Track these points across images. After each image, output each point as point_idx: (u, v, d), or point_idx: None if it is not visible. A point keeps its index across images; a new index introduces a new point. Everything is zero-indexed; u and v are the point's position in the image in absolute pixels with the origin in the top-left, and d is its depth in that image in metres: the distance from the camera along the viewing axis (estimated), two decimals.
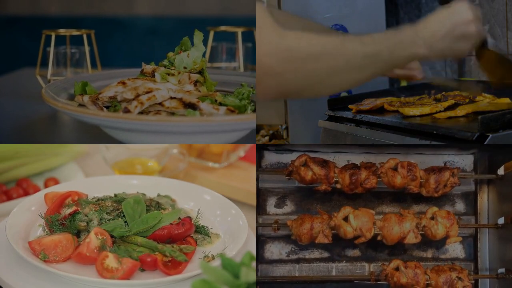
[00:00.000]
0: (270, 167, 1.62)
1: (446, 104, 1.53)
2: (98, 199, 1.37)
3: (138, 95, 1.40)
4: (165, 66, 1.51)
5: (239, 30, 2.07)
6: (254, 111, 1.47)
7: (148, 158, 1.68)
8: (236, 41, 2.10)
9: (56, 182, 1.65)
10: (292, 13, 1.58)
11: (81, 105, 1.45)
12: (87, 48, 1.97)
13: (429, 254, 1.64)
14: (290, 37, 1.13)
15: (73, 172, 1.70)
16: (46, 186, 1.65)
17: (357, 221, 1.51)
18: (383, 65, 1.27)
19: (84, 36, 1.95)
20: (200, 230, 1.34)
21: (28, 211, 1.34)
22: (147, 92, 1.40)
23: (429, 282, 1.50)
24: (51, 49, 1.95)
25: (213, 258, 1.25)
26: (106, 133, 1.44)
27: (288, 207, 1.63)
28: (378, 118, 1.54)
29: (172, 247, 1.25)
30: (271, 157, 1.62)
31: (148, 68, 1.51)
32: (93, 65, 2.01)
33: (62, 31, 1.95)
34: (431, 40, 1.26)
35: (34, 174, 1.68)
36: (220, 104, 1.44)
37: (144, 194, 1.41)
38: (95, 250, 1.23)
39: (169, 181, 1.49)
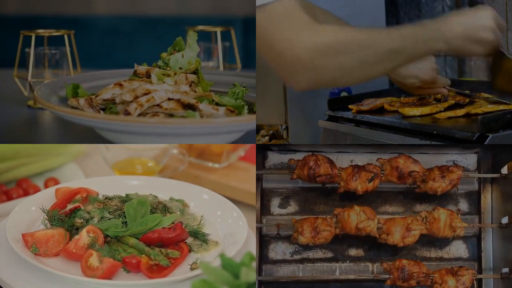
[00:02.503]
0: (273, 167, 1.63)
1: (446, 104, 1.53)
2: (106, 198, 1.38)
3: (136, 97, 1.39)
4: (159, 67, 1.50)
5: (218, 30, 2.07)
6: (249, 111, 1.46)
7: (148, 158, 1.68)
8: (215, 41, 2.09)
9: (56, 182, 1.65)
10: (322, 8, 1.59)
11: (73, 107, 1.43)
12: (68, 49, 1.92)
13: (432, 253, 1.64)
14: (325, 31, 1.20)
15: (73, 172, 1.70)
16: (46, 186, 1.64)
17: (360, 207, 1.52)
18: (406, 59, 1.33)
19: (66, 37, 1.91)
20: (200, 236, 1.32)
21: (28, 211, 1.34)
22: (145, 94, 1.39)
23: (433, 275, 1.52)
24: (31, 50, 1.89)
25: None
26: (92, 135, 1.42)
27: (292, 207, 1.64)
28: (378, 118, 1.54)
29: (160, 251, 1.24)
30: (275, 158, 1.63)
31: (141, 69, 1.49)
32: (73, 66, 1.97)
33: (41, 32, 1.90)
34: (450, 37, 1.32)
35: (34, 174, 1.68)
36: (217, 104, 1.44)
37: (156, 196, 1.41)
38: (84, 248, 1.23)
39: (168, 181, 1.49)
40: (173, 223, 1.31)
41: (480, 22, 1.35)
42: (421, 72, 1.52)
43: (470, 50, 1.36)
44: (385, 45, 1.25)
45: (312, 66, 1.18)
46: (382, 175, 1.55)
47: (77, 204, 1.33)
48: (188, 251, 1.28)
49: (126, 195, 1.40)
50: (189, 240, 1.32)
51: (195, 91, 1.47)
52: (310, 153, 1.55)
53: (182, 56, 1.50)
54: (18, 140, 1.62)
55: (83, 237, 1.24)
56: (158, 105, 1.39)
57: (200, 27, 2.08)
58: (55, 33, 1.92)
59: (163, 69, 1.49)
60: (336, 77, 1.23)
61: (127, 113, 1.35)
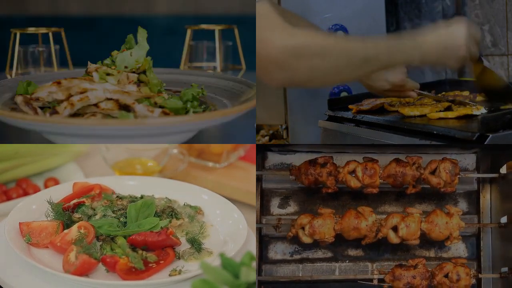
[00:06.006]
0: (273, 167, 1.63)
1: (446, 104, 1.53)
2: (117, 196, 1.38)
3: (70, 96, 1.34)
4: (107, 65, 1.44)
5: (218, 28, 2.02)
6: (204, 110, 1.42)
7: (148, 158, 1.68)
8: (215, 40, 2.05)
9: (56, 182, 1.65)
10: (297, 14, 1.61)
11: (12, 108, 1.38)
12: (53, 47, 1.91)
13: (432, 253, 1.64)
14: (300, 35, 1.24)
15: (73, 172, 1.70)
16: (46, 186, 1.64)
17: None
18: (380, 66, 1.37)
19: (50, 34, 1.91)
20: (195, 245, 1.31)
21: (28, 211, 1.34)
22: (81, 93, 1.35)
23: (431, 269, 1.53)
24: (16, 47, 1.89)
25: (179, 273, 1.22)
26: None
27: (292, 207, 1.64)
28: (378, 118, 1.54)
29: (141, 254, 1.24)
30: (274, 158, 1.63)
31: (91, 67, 1.44)
32: (65, 63, 1.96)
33: (31, 30, 1.90)
34: (425, 54, 1.36)
35: (34, 174, 1.68)
36: (157, 105, 1.39)
37: (169, 200, 1.40)
38: (71, 242, 1.23)
39: (168, 181, 1.49)
40: (161, 227, 1.30)
41: (453, 39, 1.38)
42: (391, 76, 1.56)
43: (444, 64, 1.40)
44: (359, 52, 1.29)
45: (285, 66, 1.22)
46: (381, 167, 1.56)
47: (82, 200, 1.33)
48: (175, 258, 1.27)
49: (141, 196, 1.40)
50: (185, 247, 1.31)
51: (141, 92, 1.42)
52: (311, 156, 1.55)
53: (131, 55, 1.43)
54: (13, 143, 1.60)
55: (72, 232, 1.25)
56: (95, 105, 1.35)
57: (202, 26, 2.06)
58: (45, 31, 1.92)
59: (110, 67, 1.44)
60: (311, 78, 1.27)
61: (54, 112, 1.31)
